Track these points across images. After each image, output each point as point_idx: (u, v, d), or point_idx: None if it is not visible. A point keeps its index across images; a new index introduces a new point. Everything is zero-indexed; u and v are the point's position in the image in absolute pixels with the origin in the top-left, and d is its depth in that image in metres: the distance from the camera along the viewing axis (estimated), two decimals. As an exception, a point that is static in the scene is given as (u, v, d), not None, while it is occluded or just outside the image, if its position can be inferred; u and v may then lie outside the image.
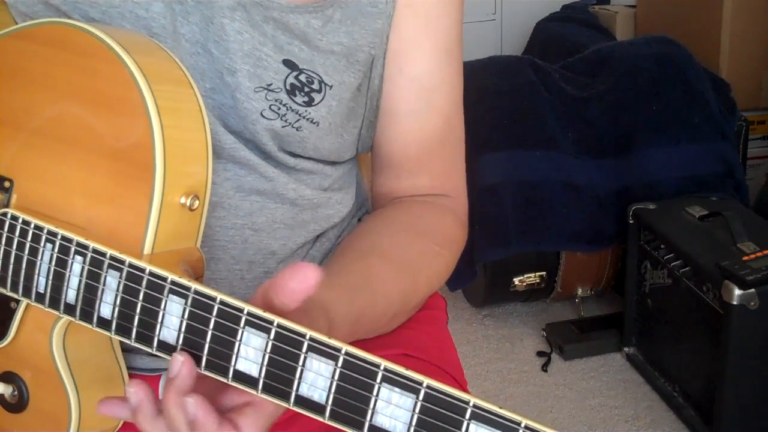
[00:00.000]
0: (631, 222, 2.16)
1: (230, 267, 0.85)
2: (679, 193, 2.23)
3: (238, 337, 0.61)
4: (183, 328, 0.63)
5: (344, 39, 0.85)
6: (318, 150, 0.88)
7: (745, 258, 1.85)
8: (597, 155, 2.30)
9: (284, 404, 0.60)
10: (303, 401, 0.59)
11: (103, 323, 0.66)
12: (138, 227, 0.67)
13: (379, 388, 0.57)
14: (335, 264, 0.87)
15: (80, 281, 0.67)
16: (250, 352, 0.61)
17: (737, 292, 1.77)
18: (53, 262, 0.69)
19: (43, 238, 0.69)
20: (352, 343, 0.59)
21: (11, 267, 0.71)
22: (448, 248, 0.92)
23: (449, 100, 0.94)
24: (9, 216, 0.71)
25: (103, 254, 0.66)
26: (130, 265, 0.65)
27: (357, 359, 0.58)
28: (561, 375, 2.23)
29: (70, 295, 0.68)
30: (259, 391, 0.61)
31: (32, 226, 0.70)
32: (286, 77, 0.82)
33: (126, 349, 0.78)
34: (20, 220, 0.70)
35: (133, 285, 0.65)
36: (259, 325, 0.60)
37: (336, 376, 0.58)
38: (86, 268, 0.67)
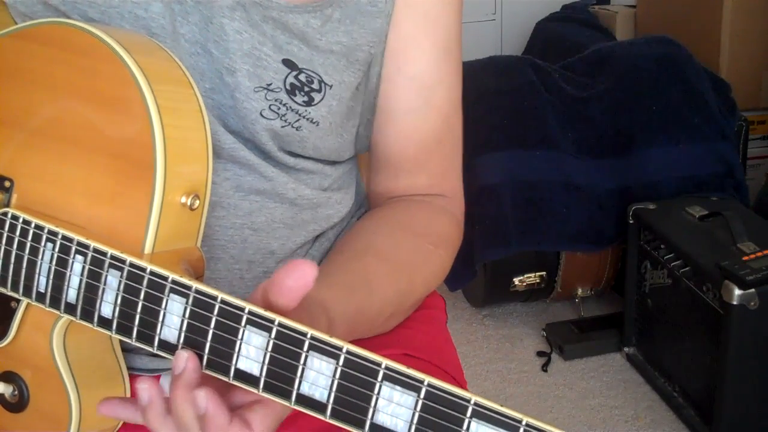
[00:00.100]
0: (631, 222, 2.16)
1: (230, 267, 0.85)
2: (679, 193, 2.24)
3: (240, 336, 0.61)
4: (184, 327, 0.63)
5: (343, 38, 0.85)
6: (318, 150, 0.88)
7: (745, 258, 1.85)
8: (597, 155, 2.30)
9: (285, 403, 0.60)
10: (304, 400, 0.59)
11: (104, 322, 0.66)
12: (138, 226, 0.67)
13: (380, 386, 0.57)
14: (332, 263, 0.87)
15: (81, 281, 0.67)
16: (252, 351, 0.61)
17: (737, 292, 1.77)
18: (54, 262, 0.69)
19: (44, 237, 0.69)
20: (353, 343, 0.59)
21: (12, 266, 0.71)
22: (444, 248, 0.92)
23: (448, 100, 0.94)
24: (9, 216, 0.71)
25: (104, 254, 0.66)
26: (131, 265, 0.65)
27: (358, 358, 0.58)
28: (561, 375, 2.23)
29: (71, 294, 0.68)
30: (261, 390, 0.61)
31: (33, 225, 0.70)
32: (286, 77, 0.82)
33: (126, 349, 0.78)
34: (21, 220, 0.70)
35: (134, 284, 0.65)
36: (260, 324, 0.60)
37: (337, 375, 0.58)
38: (87, 267, 0.67)
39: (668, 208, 2.13)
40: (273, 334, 0.60)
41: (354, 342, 0.59)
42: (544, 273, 2.36)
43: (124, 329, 0.66)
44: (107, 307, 0.66)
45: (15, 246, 0.71)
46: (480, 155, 2.24)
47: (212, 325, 0.62)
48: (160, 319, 0.64)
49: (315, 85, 0.84)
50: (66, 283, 0.68)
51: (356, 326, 0.78)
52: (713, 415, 1.88)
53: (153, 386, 0.63)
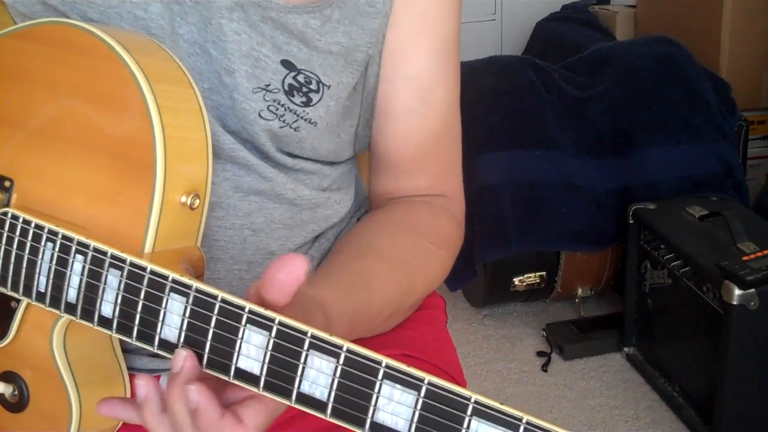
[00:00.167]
0: (631, 222, 2.16)
1: (229, 267, 0.85)
2: (679, 193, 2.23)
3: (240, 335, 0.61)
4: (184, 327, 0.63)
5: (342, 39, 0.85)
6: (316, 150, 0.88)
7: (745, 258, 1.84)
8: (597, 155, 2.30)
9: (286, 402, 0.60)
10: (304, 399, 0.59)
11: (104, 322, 0.66)
12: (139, 226, 0.67)
13: (380, 385, 0.57)
14: (332, 263, 0.87)
15: (81, 280, 0.67)
16: (252, 350, 0.61)
17: (737, 292, 1.77)
18: (54, 262, 0.69)
19: (44, 237, 0.69)
20: (353, 342, 0.59)
21: (12, 266, 0.71)
22: (445, 248, 0.92)
23: (446, 100, 0.94)
24: (9, 215, 0.71)
25: (104, 253, 0.66)
26: (132, 264, 0.65)
27: (358, 356, 0.58)
28: (561, 375, 2.23)
29: (71, 294, 0.68)
30: (261, 389, 0.61)
31: (33, 225, 0.70)
32: (285, 78, 0.82)
33: (126, 349, 0.78)
34: (21, 220, 0.70)
35: (135, 284, 0.65)
36: (260, 323, 0.61)
37: (337, 374, 0.58)
38: (87, 267, 0.67)
39: (668, 208, 2.13)
40: (273, 333, 0.60)
41: (354, 342, 0.59)
42: (544, 273, 2.36)
43: (125, 329, 0.66)
44: (107, 307, 0.66)
45: (15, 246, 0.71)
46: (480, 155, 2.24)
47: (213, 324, 0.62)
48: (161, 318, 0.64)
49: (313, 86, 0.84)
50: (66, 283, 0.68)
51: (355, 325, 0.78)
52: (713, 415, 1.88)
53: (150, 383, 0.64)
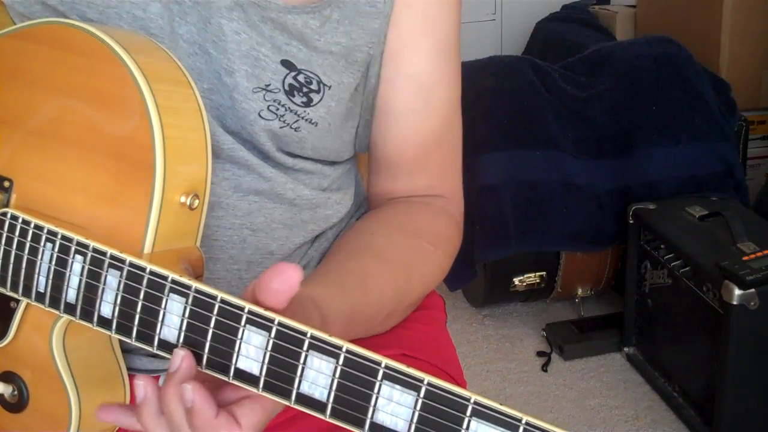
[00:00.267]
0: (631, 222, 2.16)
1: (228, 267, 0.85)
2: (679, 193, 2.23)
3: (239, 336, 0.61)
4: (184, 327, 0.63)
5: (342, 39, 0.85)
6: (316, 150, 0.88)
7: (745, 258, 1.84)
8: (597, 155, 2.30)
9: (285, 402, 0.60)
10: (304, 399, 0.59)
11: (104, 322, 0.66)
12: (138, 226, 0.67)
13: (380, 385, 0.57)
14: (329, 263, 0.87)
15: (80, 280, 0.67)
16: (251, 351, 0.61)
17: (737, 292, 1.77)
18: (53, 262, 0.68)
19: (43, 237, 0.69)
20: (352, 342, 0.59)
21: (11, 267, 0.71)
22: (443, 248, 0.92)
23: (447, 100, 0.94)
24: (9, 216, 0.71)
25: (104, 253, 0.66)
26: (131, 264, 0.65)
27: (358, 357, 0.58)
28: (561, 375, 2.23)
29: (71, 294, 0.68)
30: (260, 390, 0.61)
31: (32, 225, 0.70)
32: (285, 78, 0.82)
33: (125, 350, 0.78)
34: (20, 220, 0.70)
35: (134, 284, 0.65)
36: (260, 323, 0.60)
37: (337, 374, 0.58)
38: (87, 267, 0.67)
39: (668, 208, 2.13)
40: (273, 334, 0.60)
41: (353, 342, 0.59)
42: (544, 273, 2.36)
43: (124, 329, 0.66)
44: (107, 307, 0.66)
45: (14, 246, 0.71)
46: (480, 155, 2.24)
47: (212, 324, 0.62)
48: (160, 318, 0.64)
49: (314, 86, 0.84)
50: (65, 283, 0.68)
51: (352, 325, 0.78)
52: (713, 415, 1.88)
53: (150, 383, 0.64)
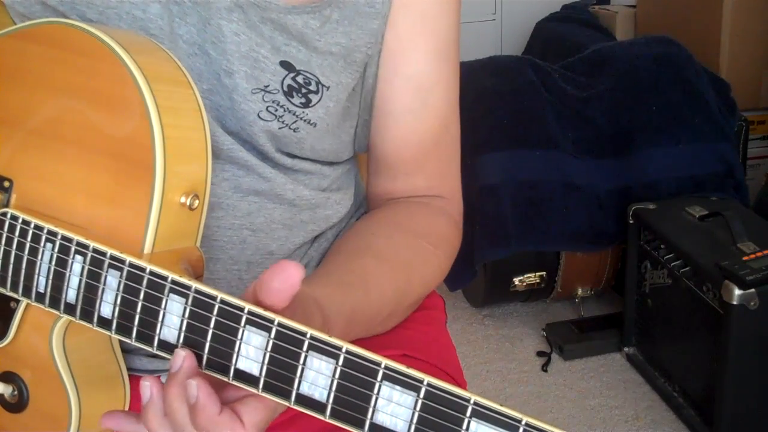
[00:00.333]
0: (631, 222, 2.16)
1: (228, 267, 0.85)
2: (679, 193, 2.23)
3: (239, 336, 0.61)
4: (184, 327, 0.63)
5: (342, 39, 0.85)
6: (315, 151, 0.88)
7: (745, 258, 1.85)
8: (597, 155, 2.30)
9: (285, 403, 0.60)
10: (304, 400, 0.59)
11: (104, 323, 0.66)
12: (138, 226, 0.67)
13: (379, 386, 0.57)
14: (329, 263, 0.87)
15: (80, 281, 0.67)
16: (251, 351, 0.60)
17: (737, 292, 1.77)
18: (53, 262, 0.68)
19: (43, 237, 0.69)
20: (352, 343, 0.59)
21: (11, 267, 0.71)
22: (443, 248, 0.92)
23: (445, 101, 0.94)
24: (9, 216, 0.71)
25: (104, 254, 0.66)
26: (131, 265, 0.65)
27: (358, 357, 0.58)
28: (561, 375, 2.23)
29: (71, 294, 0.68)
30: (260, 390, 0.61)
31: (32, 225, 0.70)
32: (284, 79, 0.82)
33: (126, 350, 0.78)
34: (20, 220, 0.70)
35: (134, 284, 0.65)
36: (260, 323, 0.60)
37: (337, 375, 0.58)
38: (86, 267, 0.67)
39: (668, 208, 2.13)
40: (272, 334, 0.60)
41: (352, 342, 0.59)
42: (544, 273, 2.36)
43: (124, 329, 0.65)
44: (107, 307, 0.66)
45: (14, 246, 0.71)
46: (480, 155, 2.24)
47: (212, 325, 0.62)
48: (160, 319, 0.64)
49: (312, 87, 0.84)
50: (65, 284, 0.68)
51: (353, 325, 0.78)
52: (713, 415, 1.88)
53: (155, 384, 0.63)
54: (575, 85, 2.38)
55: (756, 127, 2.63)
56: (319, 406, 0.59)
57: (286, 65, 0.82)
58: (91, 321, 0.67)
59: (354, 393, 0.58)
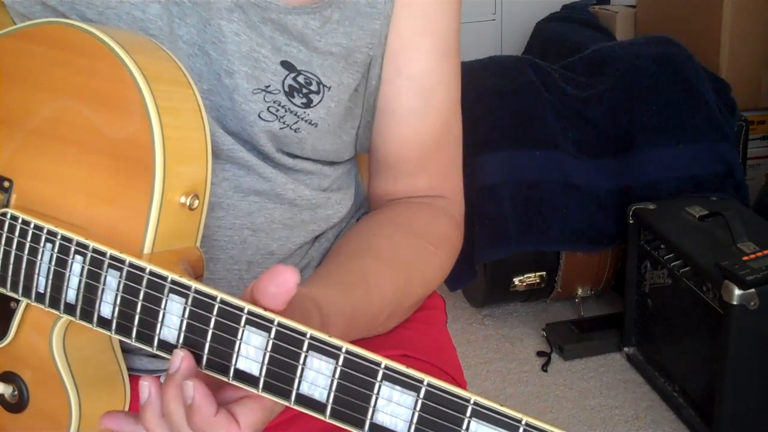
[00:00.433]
0: (631, 222, 2.16)
1: (229, 267, 0.85)
2: (679, 193, 2.23)
3: (239, 336, 0.61)
4: (183, 327, 0.63)
5: (342, 40, 0.85)
6: (316, 151, 0.88)
7: (745, 258, 1.84)
8: (597, 155, 2.30)
9: (285, 403, 0.60)
10: (304, 400, 0.59)
11: (104, 323, 0.66)
12: (138, 226, 0.67)
13: (379, 386, 0.57)
14: (330, 263, 0.87)
15: (80, 281, 0.67)
16: (251, 351, 0.61)
17: (737, 292, 1.77)
18: (53, 262, 0.68)
19: (43, 237, 0.69)
20: (352, 343, 0.59)
21: (11, 267, 0.71)
22: (444, 249, 0.92)
23: (447, 101, 0.94)
24: (9, 216, 0.71)
25: (103, 254, 0.66)
26: (131, 265, 0.65)
27: (358, 357, 0.58)
28: (561, 375, 2.23)
29: (70, 294, 0.68)
30: (260, 390, 0.61)
31: (32, 225, 0.70)
32: (284, 79, 0.82)
33: (125, 350, 0.78)
34: (20, 220, 0.70)
35: (134, 284, 0.65)
36: (259, 324, 0.60)
37: (337, 375, 0.58)
38: (86, 267, 0.67)
39: (668, 208, 2.13)
40: (272, 334, 0.60)
41: (353, 342, 0.59)
42: (544, 273, 2.36)
43: (124, 329, 0.65)
44: (106, 308, 0.66)
45: (14, 246, 0.71)
46: (480, 155, 2.24)
47: (212, 325, 0.62)
48: (160, 319, 0.64)
49: (313, 87, 0.84)
50: (65, 284, 0.68)
51: (353, 325, 0.78)
52: (713, 415, 1.88)
53: (154, 384, 0.64)
54: (575, 85, 2.38)
55: (756, 127, 2.63)
56: (319, 406, 0.59)
57: (286, 65, 0.82)
58: (90, 321, 0.67)
59: (354, 393, 0.58)
